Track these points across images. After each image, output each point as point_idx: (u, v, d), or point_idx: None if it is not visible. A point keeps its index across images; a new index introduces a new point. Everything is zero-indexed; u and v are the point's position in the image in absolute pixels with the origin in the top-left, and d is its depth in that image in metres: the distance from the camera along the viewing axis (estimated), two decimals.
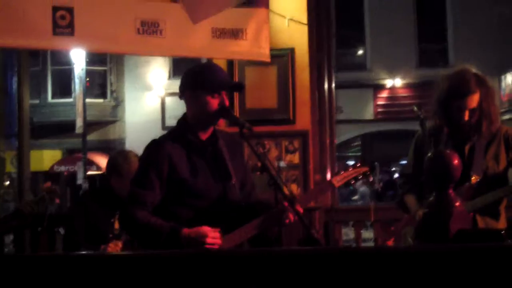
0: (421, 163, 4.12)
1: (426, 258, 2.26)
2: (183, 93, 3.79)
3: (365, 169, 3.98)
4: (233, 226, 3.67)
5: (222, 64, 5.90)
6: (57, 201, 17.26)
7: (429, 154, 3.63)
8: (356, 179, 3.96)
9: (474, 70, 4.28)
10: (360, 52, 25.73)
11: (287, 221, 3.63)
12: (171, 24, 5.16)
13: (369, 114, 24.77)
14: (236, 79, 5.96)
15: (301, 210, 3.57)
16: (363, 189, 22.75)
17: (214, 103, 3.68)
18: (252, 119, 4.81)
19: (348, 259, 2.28)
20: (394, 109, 23.93)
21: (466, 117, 4.13)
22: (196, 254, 2.68)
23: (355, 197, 23.22)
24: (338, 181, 3.92)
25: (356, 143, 26.82)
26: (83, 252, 4.13)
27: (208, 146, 3.76)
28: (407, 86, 24.22)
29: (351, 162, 24.04)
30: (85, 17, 4.87)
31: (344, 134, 23.47)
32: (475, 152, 4.17)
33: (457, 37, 24.24)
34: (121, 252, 3.45)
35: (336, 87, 6.62)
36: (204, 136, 3.77)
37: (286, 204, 3.59)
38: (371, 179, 4.02)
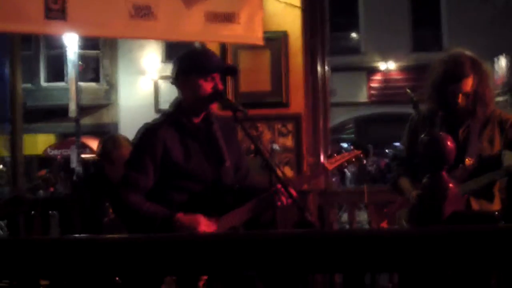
0: (415, 146, 4.13)
1: (420, 241, 2.26)
2: (176, 78, 3.79)
3: (358, 152, 4.00)
4: (227, 209, 3.68)
5: (215, 47, 5.90)
6: (52, 189, 17.26)
7: (423, 137, 3.64)
8: (349, 162, 3.97)
9: (469, 53, 4.28)
10: (354, 35, 25.70)
11: (279, 203, 3.65)
12: (164, 8, 5.13)
13: (363, 97, 24.78)
14: (230, 62, 5.95)
15: (294, 192, 3.59)
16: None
17: (207, 86, 3.68)
18: (246, 102, 4.80)
19: (343, 242, 2.28)
20: (388, 92, 23.95)
21: (461, 101, 4.13)
22: (193, 238, 2.68)
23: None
24: (331, 164, 3.93)
25: (349, 126, 26.86)
26: (79, 236, 4.13)
27: (202, 129, 3.76)
28: (401, 69, 24.23)
29: (345, 145, 24.21)
30: (77, 1, 4.83)
31: (338, 117, 23.47)
32: (470, 135, 4.18)
33: (450, 21, 24.23)
34: (117, 236, 3.45)
35: (330, 70, 6.62)
36: (197, 120, 3.77)
37: (279, 186, 3.60)
38: (364, 162, 4.03)
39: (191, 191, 3.67)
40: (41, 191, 14.46)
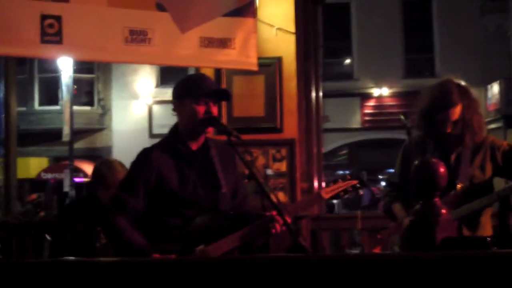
0: (408, 172, 4.14)
1: (412, 266, 2.28)
2: (173, 104, 3.83)
3: (354, 182, 3.99)
4: (222, 235, 3.68)
5: (210, 73, 5.93)
6: (42, 213, 17.17)
7: (416, 163, 3.66)
8: (345, 191, 3.98)
9: (456, 81, 4.30)
10: (347, 61, 25.82)
11: (273, 231, 3.66)
12: (160, 33, 5.17)
13: (356, 122, 24.83)
14: (224, 87, 5.97)
15: (289, 220, 3.59)
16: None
17: (200, 110, 3.70)
18: (240, 127, 4.83)
19: (336, 267, 2.29)
20: (381, 118, 24.01)
21: (449, 129, 4.16)
22: (186, 261, 2.68)
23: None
24: (327, 193, 3.94)
25: (343, 152, 26.88)
26: (70, 258, 4.13)
27: (199, 156, 3.78)
28: (394, 95, 24.31)
29: (339, 172, 24.18)
30: (73, 26, 4.87)
31: (331, 142, 23.52)
32: (461, 161, 4.20)
33: (443, 47, 24.37)
34: (109, 259, 3.45)
35: (324, 96, 6.66)
36: (194, 145, 3.79)
37: (274, 213, 3.62)
38: (361, 192, 4.06)
39: (187, 217, 3.68)
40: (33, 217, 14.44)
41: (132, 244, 3.56)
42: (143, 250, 3.52)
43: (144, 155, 3.76)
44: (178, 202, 3.68)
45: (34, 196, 19.89)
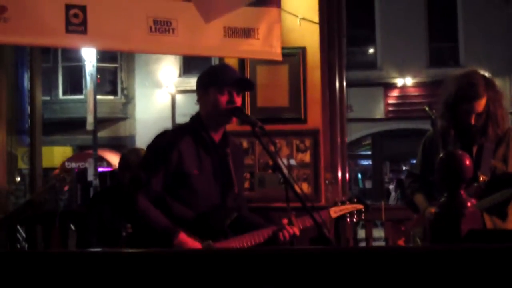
0: (430, 163, 4.13)
1: (437, 258, 2.27)
2: (197, 94, 3.84)
3: (360, 206, 4.07)
4: (229, 235, 3.70)
5: (233, 63, 5.93)
6: (66, 188, 17.27)
7: (441, 155, 3.64)
8: (351, 214, 4.04)
9: (481, 73, 4.28)
10: (371, 50, 25.69)
11: (282, 239, 3.69)
12: (183, 23, 5.16)
13: (379, 113, 24.73)
14: (248, 77, 5.97)
15: (297, 232, 3.66)
16: None
17: (223, 100, 3.71)
18: (263, 117, 4.82)
19: (360, 259, 2.29)
20: (404, 108, 23.89)
21: (473, 121, 4.14)
22: (209, 253, 2.69)
23: None
24: (335, 212, 4.00)
25: (366, 142, 26.81)
26: (96, 250, 4.15)
27: (218, 148, 3.78)
28: (417, 85, 24.17)
29: (362, 161, 24.19)
30: (98, 16, 4.88)
31: (354, 132, 23.43)
32: (483, 153, 4.18)
33: (467, 36, 24.17)
34: (134, 250, 3.46)
35: (347, 85, 6.62)
36: (216, 137, 3.79)
37: (285, 221, 3.66)
38: (363, 217, 4.11)
39: (193, 207, 3.69)
40: (60, 203, 14.51)
41: (157, 224, 3.55)
42: (168, 230, 3.52)
43: (167, 136, 3.77)
44: (189, 188, 3.68)
45: (57, 171, 20.03)
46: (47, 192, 5.55)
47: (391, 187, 24.91)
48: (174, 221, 3.60)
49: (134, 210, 3.63)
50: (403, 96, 24.42)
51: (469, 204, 3.52)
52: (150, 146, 3.85)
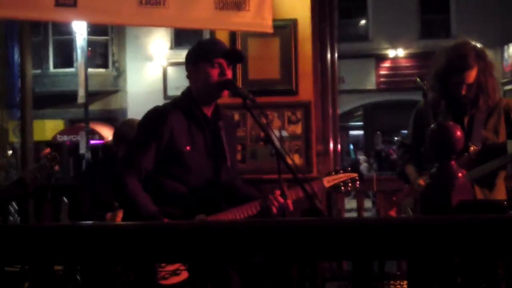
0: (421, 134, 4.15)
1: (429, 229, 2.28)
2: (187, 69, 3.83)
3: (354, 174, 4.07)
4: (223, 208, 3.72)
5: (225, 35, 5.90)
6: (57, 168, 17.27)
7: (432, 126, 3.65)
8: (345, 183, 4.04)
9: (472, 44, 4.28)
10: (362, 22, 25.64)
11: (274, 210, 3.71)
12: None
13: (371, 84, 24.76)
14: (239, 50, 5.95)
15: (290, 205, 3.67)
16: None
17: (214, 73, 3.71)
18: (255, 90, 4.81)
19: (352, 230, 2.30)
20: (396, 79, 23.92)
21: (464, 92, 4.15)
22: (200, 225, 2.70)
23: None
24: (329, 182, 4.00)
25: (358, 113, 26.86)
26: (88, 222, 4.17)
27: (210, 123, 3.78)
28: (409, 56, 24.18)
29: (354, 132, 24.26)
30: None
31: (346, 104, 23.47)
32: (474, 124, 4.19)
33: (459, 8, 24.14)
34: (125, 223, 3.47)
35: (338, 57, 6.61)
36: (208, 111, 3.79)
37: (277, 193, 3.68)
38: (357, 185, 4.10)
39: (185, 183, 3.69)
40: (52, 177, 14.53)
41: (143, 209, 3.54)
42: (153, 216, 3.51)
43: (158, 113, 3.75)
44: (181, 165, 3.68)
45: (47, 150, 20.01)
46: (37, 171, 5.53)
47: (362, 157, 25.00)
48: (167, 197, 3.62)
49: (123, 194, 3.63)
50: (395, 67, 24.44)
51: (459, 174, 3.54)
52: (141, 124, 3.85)
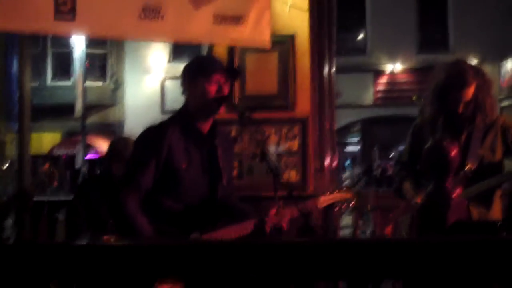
0: (418, 151, 4.15)
1: (423, 250, 2.28)
2: (183, 85, 3.83)
3: (349, 195, 4.06)
4: (217, 227, 3.71)
5: (223, 50, 5.92)
6: (55, 184, 17.25)
7: (428, 145, 3.65)
8: (339, 202, 4.03)
9: (470, 62, 4.31)
10: (361, 36, 25.68)
11: (268, 230, 3.70)
12: (173, 10, 5.14)
13: (369, 99, 24.75)
14: (237, 65, 5.96)
15: (285, 225, 3.67)
16: None
17: (212, 90, 3.71)
18: (252, 105, 4.81)
19: (346, 250, 2.30)
20: (394, 94, 23.92)
21: (461, 109, 4.16)
22: (195, 244, 2.70)
23: None
24: (323, 202, 4.00)
25: (356, 128, 26.84)
26: (85, 243, 4.16)
27: (207, 140, 3.78)
28: (407, 71, 24.19)
29: (351, 148, 24.21)
30: (86, 2, 4.83)
31: (344, 118, 23.46)
32: (471, 141, 4.20)
33: (457, 23, 24.18)
34: (122, 243, 3.46)
35: (336, 72, 6.61)
36: (205, 128, 3.79)
37: (273, 212, 3.69)
38: (352, 206, 4.10)
39: (181, 200, 3.69)
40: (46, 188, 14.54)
41: (139, 231, 3.53)
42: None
43: (156, 131, 3.74)
44: (178, 183, 3.67)
45: (46, 166, 20.00)
46: (35, 188, 5.54)
47: (347, 174, 24.97)
48: (163, 214, 3.61)
49: (122, 213, 3.62)
50: (393, 82, 24.44)
51: (455, 194, 3.55)
52: (139, 142, 3.84)
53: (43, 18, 4.75)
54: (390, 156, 24.82)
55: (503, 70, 22.80)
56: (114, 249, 2.42)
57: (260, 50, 5.87)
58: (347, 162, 28.55)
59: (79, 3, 4.79)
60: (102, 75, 25.05)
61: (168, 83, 23.56)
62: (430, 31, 24.90)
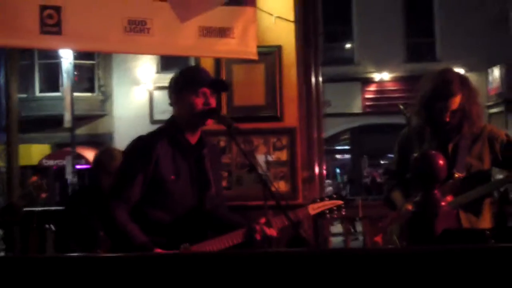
0: (406, 160, 4.17)
1: (412, 259, 2.29)
2: (171, 97, 3.84)
3: (340, 202, 4.07)
4: (207, 237, 3.71)
5: (209, 62, 5.93)
6: (43, 196, 17.17)
7: (415, 155, 3.67)
8: (331, 210, 4.04)
9: (457, 71, 4.33)
10: (348, 45, 25.77)
11: (258, 238, 3.70)
12: (159, 23, 5.14)
13: (357, 107, 24.82)
14: (224, 77, 5.97)
15: (275, 233, 3.67)
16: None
17: (199, 102, 3.73)
18: (240, 116, 4.82)
19: (336, 261, 2.31)
20: (382, 102, 23.99)
21: (448, 118, 4.18)
22: (188, 256, 2.70)
23: None
24: (314, 209, 3.99)
25: (345, 137, 26.89)
26: (75, 254, 4.15)
27: (195, 151, 3.79)
28: (395, 79, 24.29)
29: (339, 156, 24.26)
30: (72, 16, 4.84)
31: (332, 127, 23.53)
32: (459, 151, 4.21)
33: (444, 31, 24.31)
34: (114, 254, 3.46)
35: (324, 81, 6.65)
36: (193, 139, 3.80)
37: (263, 221, 3.69)
38: (343, 213, 4.10)
39: (170, 211, 3.69)
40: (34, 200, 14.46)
41: (134, 240, 3.52)
42: (145, 246, 3.50)
43: (144, 143, 3.74)
44: (165, 194, 3.67)
45: (34, 178, 19.91)
46: (23, 199, 5.54)
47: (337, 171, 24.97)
48: (151, 226, 3.60)
49: (112, 227, 3.62)
50: (381, 91, 24.53)
51: (443, 203, 3.56)
52: (127, 154, 3.85)
53: (29, 32, 4.75)
54: (379, 164, 24.92)
55: (490, 78, 22.92)
56: (105, 261, 2.42)
57: (247, 62, 5.88)
58: (337, 171, 28.63)
59: (65, 17, 4.79)
60: (90, 86, 25.04)
61: (156, 94, 23.57)
62: (417, 40, 25.02)
